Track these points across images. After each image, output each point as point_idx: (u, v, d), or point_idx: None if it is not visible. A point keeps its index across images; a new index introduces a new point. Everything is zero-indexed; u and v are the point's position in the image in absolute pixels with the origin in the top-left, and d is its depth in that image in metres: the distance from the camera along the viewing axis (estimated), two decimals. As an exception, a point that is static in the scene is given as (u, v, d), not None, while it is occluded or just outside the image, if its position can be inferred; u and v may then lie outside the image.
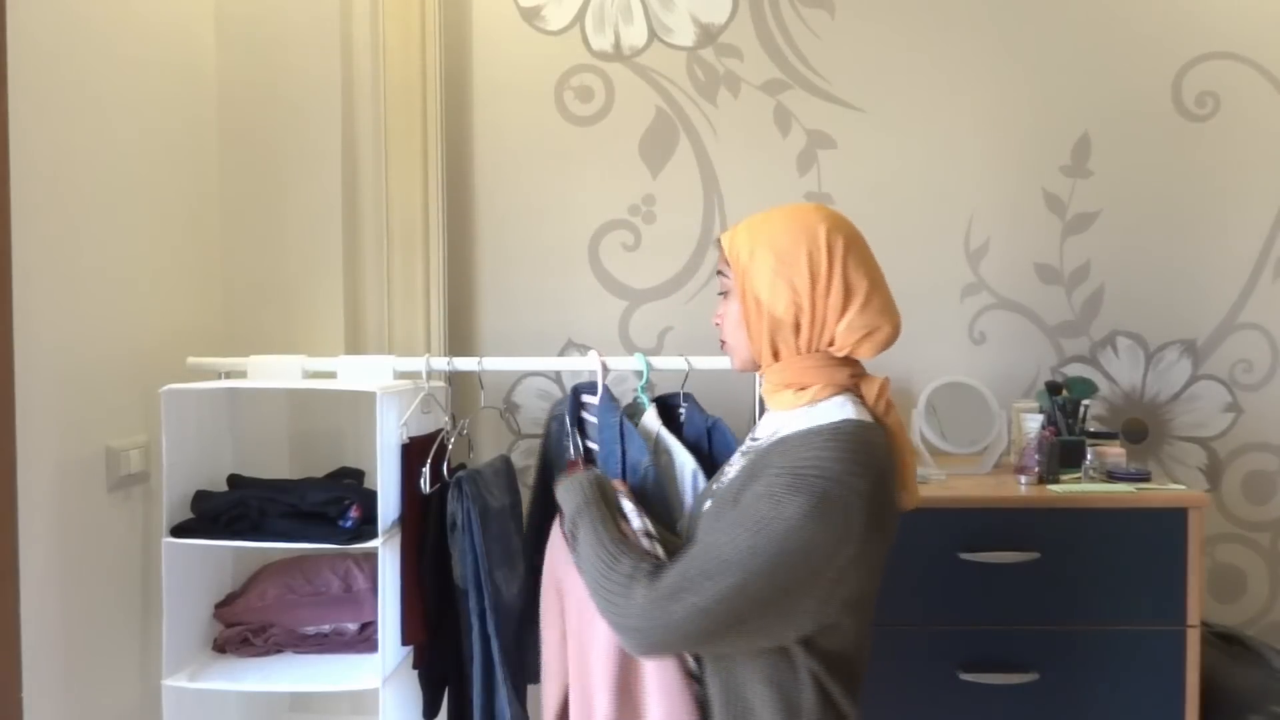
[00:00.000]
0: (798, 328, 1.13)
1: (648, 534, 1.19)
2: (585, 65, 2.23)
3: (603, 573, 1.10)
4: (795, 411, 1.15)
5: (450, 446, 1.71)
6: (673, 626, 1.02)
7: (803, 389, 1.15)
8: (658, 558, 1.14)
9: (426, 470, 1.64)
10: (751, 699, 1.09)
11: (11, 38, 1.46)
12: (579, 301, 2.25)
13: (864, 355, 1.15)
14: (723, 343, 1.25)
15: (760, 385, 1.30)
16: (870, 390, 1.15)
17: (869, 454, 1.05)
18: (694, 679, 1.14)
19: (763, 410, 1.29)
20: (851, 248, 1.13)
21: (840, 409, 1.12)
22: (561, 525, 1.27)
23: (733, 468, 1.22)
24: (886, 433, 1.14)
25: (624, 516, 1.21)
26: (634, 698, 1.14)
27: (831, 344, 1.14)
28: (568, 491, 1.25)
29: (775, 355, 1.16)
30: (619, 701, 1.14)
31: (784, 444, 1.09)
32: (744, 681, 1.10)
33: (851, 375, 1.15)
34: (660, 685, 1.13)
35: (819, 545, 1.00)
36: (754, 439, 1.25)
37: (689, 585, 1.02)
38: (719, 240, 1.22)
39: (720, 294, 1.25)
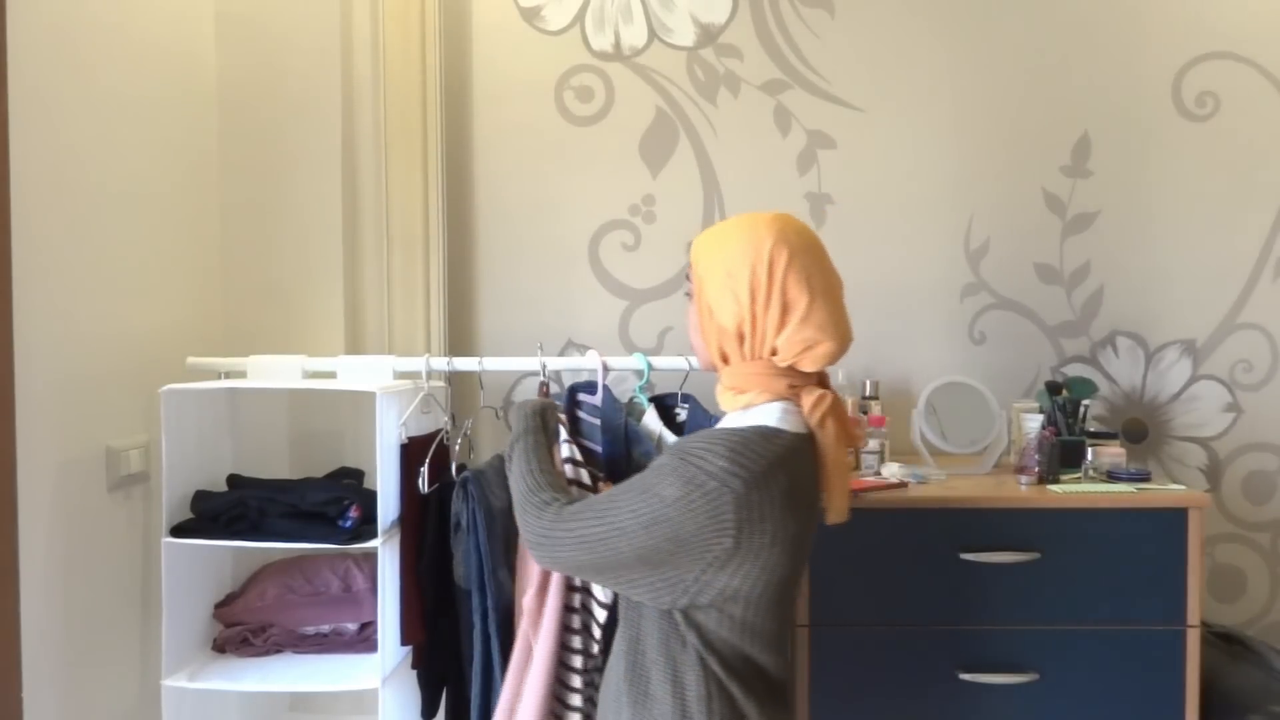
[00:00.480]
0: (741, 338, 1.17)
1: (572, 461, 1.44)
2: (585, 65, 2.23)
3: (525, 495, 1.26)
4: (733, 414, 1.19)
5: (454, 447, 1.71)
6: (563, 547, 1.17)
7: (742, 393, 1.18)
8: (578, 483, 1.41)
9: (425, 470, 1.64)
10: (650, 668, 1.15)
11: (11, 38, 1.46)
12: (579, 301, 2.25)
13: (806, 368, 1.16)
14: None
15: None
16: (808, 401, 1.16)
17: (757, 459, 1.08)
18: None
19: None
20: (795, 263, 1.14)
21: (764, 415, 1.15)
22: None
23: None
24: (815, 446, 1.17)
25: (558, 443, 1.45)
26: (546, 588, 1.46)
27: (775, 354, 1.16)
28: (515, 415, 1.42)
29: (725, 360, 1.20)
30: (537, 588, 1.46)
31: (695, 435, 1.14)
32: (645, 649, 1.16)
33: (791, 385, 1.17)
34: (557, 582, 1.45)
35: (686, 528, 1.07)
36: None
37: (581, 520, 1.16)
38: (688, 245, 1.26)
39: (685, 294, 1.29)
